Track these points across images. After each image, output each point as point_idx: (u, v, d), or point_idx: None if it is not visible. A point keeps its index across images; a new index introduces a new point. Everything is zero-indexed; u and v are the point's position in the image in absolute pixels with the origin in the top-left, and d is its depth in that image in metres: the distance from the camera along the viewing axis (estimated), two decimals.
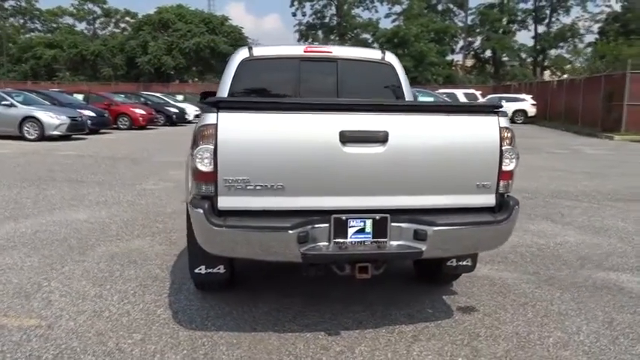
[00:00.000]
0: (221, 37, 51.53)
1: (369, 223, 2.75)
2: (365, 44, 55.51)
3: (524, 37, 54.28)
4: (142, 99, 24.46)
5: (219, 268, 3.27)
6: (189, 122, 25.31)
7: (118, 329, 3.05)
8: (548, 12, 54.12)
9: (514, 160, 2.82)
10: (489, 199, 2.85)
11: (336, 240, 2.73)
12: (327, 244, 2.72)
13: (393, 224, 2.76)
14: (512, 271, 4.22)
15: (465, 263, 3.46)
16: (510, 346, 2.92)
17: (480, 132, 2.78)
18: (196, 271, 3.28)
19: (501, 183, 2.83)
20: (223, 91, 4.14)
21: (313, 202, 2.71)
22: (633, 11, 48.52)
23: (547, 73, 54.92)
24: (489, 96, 32.06)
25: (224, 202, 2.64)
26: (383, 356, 2.78)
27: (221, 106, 2.62)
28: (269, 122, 2.66)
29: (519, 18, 54.88)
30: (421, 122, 2.76)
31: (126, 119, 20.28)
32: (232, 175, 2.62)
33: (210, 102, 2.68)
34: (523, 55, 54.33)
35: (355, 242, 2.74)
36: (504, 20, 53.73)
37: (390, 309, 3.40)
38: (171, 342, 2.91)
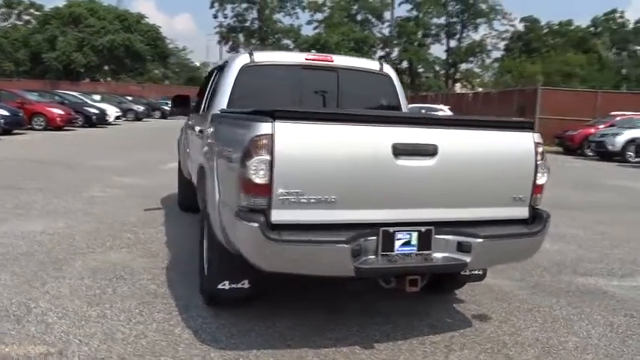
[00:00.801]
0: (137, 36, 49.55)
1: (414, 235, 2.76)
2: (286, 50, 55.79)
3: (438, 51, 57.14)
4: (58, 98, 22.89)
5: (243, 284, 3.13)
6: (110, 124, 24.13)
7: (141, 353, 2.83)
8: (459, 28, 57.27)
9: (545, 174, 2.95)
10: (524, 212, 2.96)
11: (384, 253, 2.71)
12: (374, 257, 2.69)
13: (436, 236, 2.78)
14: (502, 278, 4.39)
15: (477, 272, 3.56)
16: (538, 352, 3.05)
17: (517, 147, 2.89)
18: (219, 287, 3.11)
19: (534, 196, 2.95)
20: (222, 97, 3.99)
21: (364, 215, 2.67)
22: (534, 31, 52.58)
23: (458, 85, 58.08)
24: (409, 105, 33.28)
25: (277, 215, 2.54)
26: None
27: (277, 115, 2.51)
28: (324, 133, 2.60)
29: (433, 32, 57.66)
30: (467, 137, 2.82)
31: (41, 119, 18.91)
32: (287, 188, 2.52)
33: (263, 111, 2.57)
34: (437, 68, 57.01)
35: (402, 255, 2.73)
36: (419, 33, 56.17)
37: (410, 320, 3.42)
38: None
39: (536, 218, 2.97)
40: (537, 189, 2.95)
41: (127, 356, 2.79)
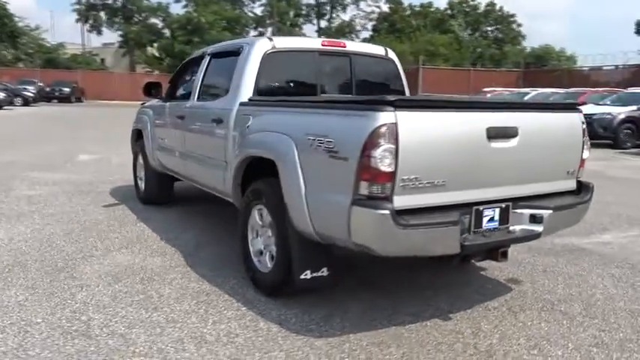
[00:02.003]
0: None
1: (497, 211, 3.00)
2: (155, 30, 52.96)
3: (309, 31, 58.04)
4: None
5: (322, 271, 3.16)
6: None
7: (248, 351, 2.76)
8: (328, 8, 58.64)
9: (587, 150, 3.35)
10: (573, 184, 3.35)
11: (475, 230, 2.92)
12: (468, 234, 2.89)
13: (513, 211, 3.05)
14: None
15: None
16: (583, 305, 3.48)
17: (572, 126, 3.24)
18: (302, 277, 3.11)
19: (580, 169, 3.34)
20: (244, 85, 3.86)
21: (463, 195, 2.85)
22: (398, 12, 55.53)
23: None
24: None
25: (399, 201, 2.62)
26: (519, 325, 3.08)
27: (397, 104, 2.57)
28: (434, 120, 2.71)
29: (304, 12, 58.43)
30: (538, 118, 3.11)
31: None
32: (407, 174, 2.61)
33: (383, 100, 2.60)
34: None
35: (489, 230, 2.96)
36: (291, 13, 56.55)
37: (458, 290, 3.68)
38: (323, 351, 2.76)
39: (583, 188, 3.37)
40: (582, 163, 3.34)
41: (239, 356, 2.71)
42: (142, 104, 6.24)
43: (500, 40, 53.05)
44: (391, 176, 2.57)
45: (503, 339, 2.98)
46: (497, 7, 52.39)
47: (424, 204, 2.71)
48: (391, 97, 2.62)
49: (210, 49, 4.71)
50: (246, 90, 3.86)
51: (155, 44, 51.81)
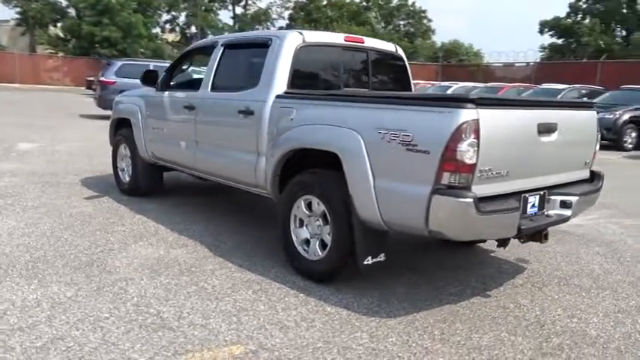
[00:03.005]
0: None
1: (537, 198, 3.36)
2: (59, 8, 49.39)
3: (225, 17, 57.00)
4: None
5: (380, 257, 3.37)
6: None
7: (332, 335, 2.92)
8: None
9: (598, 142, 3.82)
10: (587, 173, 3.80)
11: (524, 214, 3.26)
12: (522, 219, 3.22)
13: (548, 197, 3.44)
14: None
15: None
16: (592, 280, 3.97)
17: (591, 122, 3.68)
18: (365, 262, 3.30)
19: (593, 160, 3.80)
20: (280, 77, 3.95)
21: (518, 184, 3.17)
22: (314, 2, 55.98)
23: None
24: None
25: (476, 190, 2.88)
26: (549, 298, 3.47)
27: (478, 102, 2.83)
28: (503, 117, 3.00)
29: None
30: (571, 116, 3.51)
31: None
32: (484, 166, 2.88)
33: (466, 98, 2.84)
34: (227, 34, 56.84)
35: (532, 215, 3.32)
36: None
37: (484, 271, 4.05)
38: (400, 329, 2.98)
39: (595, 177, 3.84)
40: (595, 155, 3.80)
41: (328, 339, 2.86)
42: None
43: (412, 34, 55.16)
44: (472, 168, 2.83)
45: (544, 311, 3.36)
46: (410, 2, 54.33)
47: (493, 192, 3.00)
48: (473, 96, 2.86)
49: (223, 39, 4.69)
50: (281, 83, 3.94)
51: (59, 24, 48.37)
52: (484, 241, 3.96)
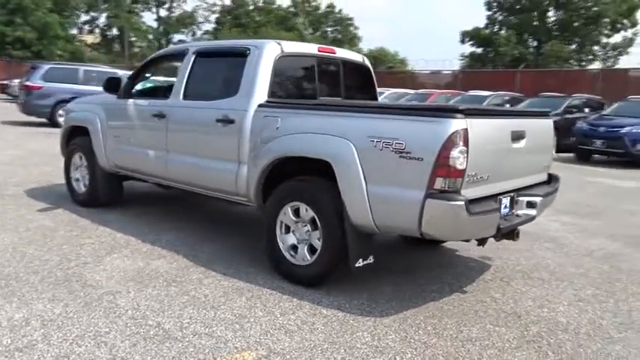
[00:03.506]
0: None
1: (508, 200, 3.66)
2: None
3: (149, 19, 55.30)
4: None
5: (370, 259, 3.54)
6: None
7: (339, 334, 3.05)
8: None
9: (554, 148, 4.20)
10: (545, 176, 4.16)
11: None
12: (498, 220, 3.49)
13: (517, 199, 3.75)
14: None
15: None
16: (556, 268, 4.34)
17: (549, 129, 4.05)
18: (357, 265, 3.45)
19: (550, 164, 4.18)
20: (261, 86, 4.02)
21: (495, 187, 3.45)
22: (242, 7, 55.70)
23: None
24: None
25: (465, 194, 3.12)
26: (518, 291, 3.77)
27: (467, 112, 3.06)
28: (486, 125, 3.27)
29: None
30: (534, 123, 3.84)
31: None
32: (472, 171, 3.12)
33: (456, 109, 3.06)
34: (150, 37, 55.26)
35: (505, 215, 3.62)
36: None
37: (455, 269, 4.32)
38: (396, 327, 3.15)
39: (552, 179, 4.21)
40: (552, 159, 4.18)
41: (333, 339, 2.97)
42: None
43: (339, 41, 56.15)
44: (462, 173, 3.06)
45: (517, 302, 3.66)
46: (337, 9, 55.40)
47: (477, 195, 3.25)
48: (461, 107, 3.10)
49: (195, 47, 4.68)
50: (261, 92, 4.01)
51: None
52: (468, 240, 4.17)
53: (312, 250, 3.66)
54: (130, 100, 5.09)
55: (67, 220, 5.18)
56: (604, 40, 33.38)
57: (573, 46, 32.98)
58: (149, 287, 3.60)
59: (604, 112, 13.86)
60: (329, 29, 56.53)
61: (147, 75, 5.29)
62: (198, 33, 57.50)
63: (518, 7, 33.48)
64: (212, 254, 4.35)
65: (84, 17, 52.33)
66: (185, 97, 4.57)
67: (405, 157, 3.13)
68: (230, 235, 4.90)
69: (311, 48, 4.52)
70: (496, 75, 20.36)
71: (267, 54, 4.09)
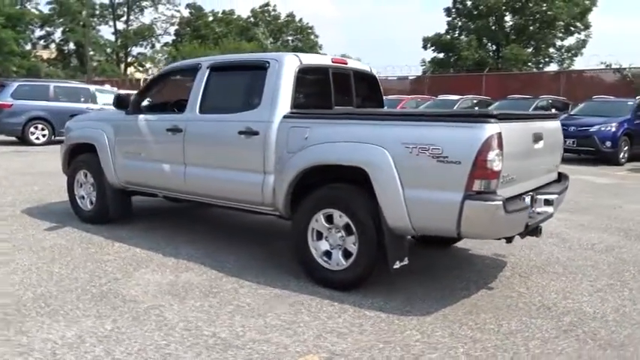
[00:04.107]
0: None
1: (529, 198, 3.87)
2: None
3: (106, 33, 54.10)
4: None
5: (405, 260, 3.68)
6: None
7: (388, 334, 3.17)
8: (125, 10, 55.61)
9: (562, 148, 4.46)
10: (556, 175, 4.40)
11: None
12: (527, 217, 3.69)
13: (536, 197, 3.96)
14: None
15: None
16: (566, 262, 4.58)
17: (559, 130, 4.29)
18: (395, 267, 3.58)
19: (559, 164, 4.43)
20: (284, 98, 4.12)
21: (521, 187, 3.65)
22: (201, 18, 55.38)
23: (131, 69, 56.66)
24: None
25: (501, 194, 3.30)
26: (539, 284, 3.97)
27: (500, 117, 3.25)
28: (515, 128, 3.48)
29: (98, 12, 54.40)
30: (549, 125, 4.07)
31: None
32: (505, 172, 3.31)
33: (490, 114, 3.25)
34: (109, 51, 54.25)
35: (530, 212, 3.82)
36: (84, 13, 52.16)
37: (474, 267, 4.51)
38: (439, 324, 3.30)
39: (562, 177, 4.45)
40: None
41: (387, 339, 3.09)
42: None
43: (300, 49, 56.47)
44: (498, 174, 3.25)
45: (542, 295, 3.86)
46: (297, 18, 55.75)
47: (508, 195, 3.43)
48: (495, 112, 3.29)
49: (208, 62, 4.72)
50: (284, 103, 4.11)
51: None
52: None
53: (346, 254, 3.77)
54: (141, 116, 5.10)
55: (79, 238, 5.13)
56: (559, 42, 34.79)
57: (530, 50, 34.21)
58: (189, 299, 3.64)
59: (571, 112, 14.47)
60: (290, 38, 56.78)
61: (167, 91, 5.31)
62: (158, 45, 56.76)
63: (476, 12, 34.52)
64: (238, 264, 4.40)
65: (38, 32, 50.98)
66: (202, 110, 4.62)
67: (443, 161, 3.29)
68: (247, 245, 4.96)
69: (325, 59, 4.66)
70: (462, 79, 20.97)
71: (288, 66, 4.19)
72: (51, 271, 4.15)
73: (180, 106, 5.22)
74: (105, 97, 15.66)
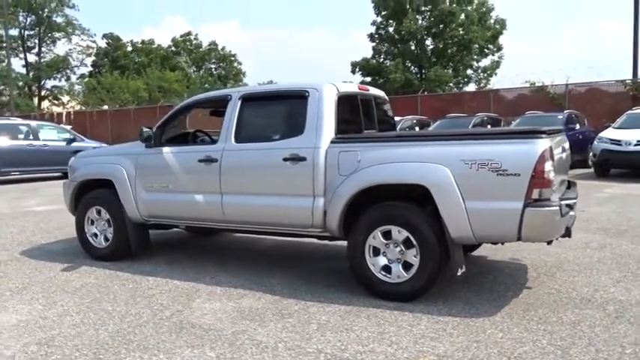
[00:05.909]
0: None
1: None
2: None
3: (17, 65, 50.91)
4: None
5: (463, 267, 4.00)
6: None
7: (471, 337, 3.46)
8: (36, 41, 53.11)
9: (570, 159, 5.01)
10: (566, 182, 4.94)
11: None
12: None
13: (561, 202, 4.44)
14: None
15: None
16: (577, 261, 5.09)
17: (567, 142, 4.82)
18: (458, 274, 3.90)
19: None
20: (328, 124, 4.37)
21: (558, 194, 4.11)
22: (120, 48, 53.96)
23: (46, 103, 53.96)
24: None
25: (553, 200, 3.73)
26: (567, 281, 4.43)
27: (549, 133, 3.69)
28: (556, 142, 3.95)
29: (4, 45, 51.49)
30: (563, 138, 4.58)
31: None
32: (554, 180, 3.75)
33: (541, 131, 3.67)
34: (20, 84, 51.35)
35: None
36: None
37: (502, 270, 4.91)
38: (496, 326, 3.63)
39: (571, 184, 4.99)
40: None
41: (476, 338, 3.38)
42: None
43: (225, 77, 56.46)
44: (552, 183, 3.67)
45: (576, 290, 4.32)
46: (220, 47, 55.74)
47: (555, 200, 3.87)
48: (545, 128, 3.72)
49: (239, 92, 4.85)
50: (329, 129, 4.36)
51: None
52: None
53: (405, 267, 4.04)
54: (166, 149, 5.12)
55: (105, 276, 5.03)
56: (475, 64, 37.35)
57: (450, 71, 36.44)
58: (267, 322, 3.74)
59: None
60: (213, 66, 56.63)
61: (177, 123, 5.36)
62: (74, 77, 54.46)
63: (398, 37, 36.36)
64: (285, 286, 4.54)
65: None
66: (238, 140, 4.75)
67: (502, 174, 3.67)
68: (282, 266, 5.10)
69: (354, 87, 4.98)
70: (400, 100, 21.98)
71: (328, 95, 4.46)
72: (105, 310, 4.08)
73: (196, 137, 5.34)
74: (47, 133, 15.07)
